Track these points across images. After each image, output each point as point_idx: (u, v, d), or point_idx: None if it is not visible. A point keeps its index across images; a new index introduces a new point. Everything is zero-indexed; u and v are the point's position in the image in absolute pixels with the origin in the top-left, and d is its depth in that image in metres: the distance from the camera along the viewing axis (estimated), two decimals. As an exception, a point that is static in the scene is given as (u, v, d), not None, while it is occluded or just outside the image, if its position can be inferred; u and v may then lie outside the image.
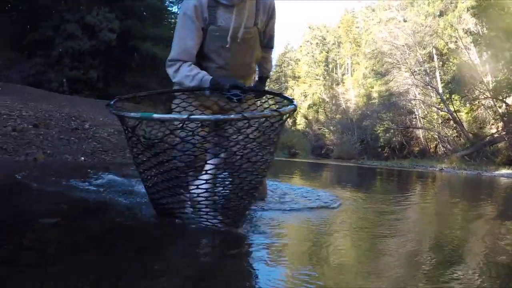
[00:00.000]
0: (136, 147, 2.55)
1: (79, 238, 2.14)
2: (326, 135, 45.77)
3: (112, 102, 2.69)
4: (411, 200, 5.51)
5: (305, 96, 50.05)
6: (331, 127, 44.82)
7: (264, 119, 2.32)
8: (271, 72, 3.72)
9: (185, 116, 2.12)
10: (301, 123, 50.30)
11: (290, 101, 2.85)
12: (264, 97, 3.25)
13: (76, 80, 18.95)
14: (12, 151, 5.39)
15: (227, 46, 2.98)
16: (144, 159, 2.56)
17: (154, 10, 22.58)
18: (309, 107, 49.07)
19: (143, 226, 2.55)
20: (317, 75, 50.23)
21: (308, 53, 52.87)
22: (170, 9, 25.85)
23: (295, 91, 51.01)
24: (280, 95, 3.11)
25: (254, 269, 1.87)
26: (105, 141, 7.32)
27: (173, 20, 25.69)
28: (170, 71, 2.97)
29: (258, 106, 3.34)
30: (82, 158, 6.03)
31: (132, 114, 2.32)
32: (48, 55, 18.58)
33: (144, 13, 22.12)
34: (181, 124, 2.22)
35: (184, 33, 2.91)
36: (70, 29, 18.66)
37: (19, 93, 11.78)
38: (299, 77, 52.73)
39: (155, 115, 2.19)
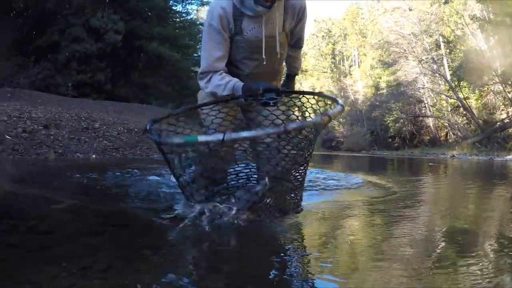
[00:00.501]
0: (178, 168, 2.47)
1: (88, 221, 2.16)
2: (336, 128, 45.67)
3: (148, 127, 2.53)
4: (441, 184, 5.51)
5: (313, 89, 50.02)
6: (341, 119, 44.74)
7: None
8: (299, 70, 3.66)
9: (234, 135, 2.04)
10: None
11: (334, 100, 2.79)
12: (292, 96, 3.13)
13: (83, 84, 18.94)
14: (24, 151, 5.44)
15: (263, 56, 2.95)
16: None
17: (158, 10, 22.52)
18: (318, 100, 48.92)
19: (148, 211, 2.57)
20: (324, 68, 50.17)
21: (314, 46, 52.75)
22: (175, 8, 25.90)
23: (303, 85, 50.92)
24: (320, 94, 3.04)
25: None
26: (115, 140, 7.37)
27: (177, 19, 25.69)
28: (202, 83, 2.92)
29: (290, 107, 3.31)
30: (94, 156, 6.07)
31: (176, 140, 2.25)
32: (54, 60, 18.61)
33: (149, 13, 22.06)
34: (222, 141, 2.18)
35: (211, 45, 2.86)
36: (76, 32, 18.68)
37: (28, 97, 11.87)
38: (306, 71, 52.61)
39: (200, 138, 2.11)
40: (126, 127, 8.21)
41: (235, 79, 2.82)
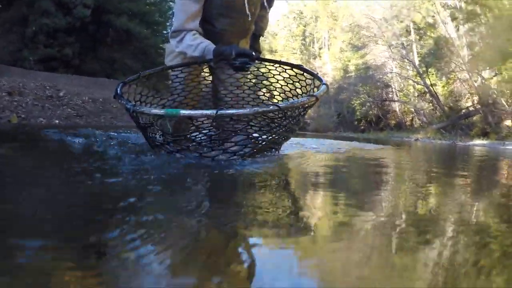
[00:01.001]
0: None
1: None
2: (302, 108, 45.55)
3: (119, 90, 2.54)
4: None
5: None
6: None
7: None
8: (266, 30, 3.67)
9: (215, 111, 2.01)
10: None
11: (316, 76, 2.83)
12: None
13: (51, 58, 18.66)
14: (-14, 115, 5.43)
15: (249, 19, 2.99)
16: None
17: (128, -15, 22.18)
18: (286, 81, 48.63)
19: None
20: (294, 49, 49.87)
21: (285, 27, 52.47)
22: (145, -17, 25.45)
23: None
24: (299, 67, 3.06)
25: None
26: (79, 108, 7.36)
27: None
28: (173, 41, 2.89)
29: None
30: (57, 121, 6.08)
31: (154, 111, 2.20)
32: (22, 33, 18.28)
33: (119, -12, 21.75)
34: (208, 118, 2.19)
35: (187, 1, 2.83)
36: (45, 6, 18.33)
37: (-7, 69, 11.70)
38: (276, 51, 52.23)
39: (183, 112, 2.09)
40: (91, 97, 8.19)
41: (207, 41, 2.82)
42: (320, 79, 2.75)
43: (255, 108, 2.14)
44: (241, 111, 2.14)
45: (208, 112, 2.07)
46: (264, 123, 2.51)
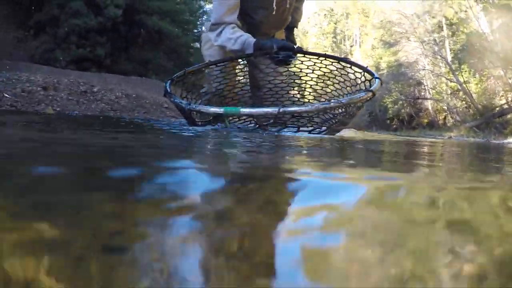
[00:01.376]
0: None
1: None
2: (334, 107, 45.36)
3: (168, 88, 2.58)
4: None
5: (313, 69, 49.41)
6: (340, 98, 44.40)
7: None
8: (299, 22, 3.65)
9: (277, 109, 2.03)
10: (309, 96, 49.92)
11: (366, 70, 2.79)
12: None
13: (84, 58, 18.84)
14: (22, 107, 5.48)
15: (273, 13, 2.97)
16: None
17: (158, -16, 22.33)
18: (318, 79, 48.46)
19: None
20: (325, 46, 49.50)
21: (315, 24, 52.19)
22: (176, -18, 25.59)
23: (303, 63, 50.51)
24: (346, 60, 3.02)
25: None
26: (113, 103, 7.39)
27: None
28: (212, 35, 2.88)
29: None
30: (91, 114, 6.12)
31: (213, 110, 2.24)
32: (54, 34, 18.50)
33: (149, -13, 21.90)
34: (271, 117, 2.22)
35: None
36: (76, 6, 18.52)
37: (27, 68, 11.88)
38: (307, 49, 51.98)
39: (243, 110, 2.12)
40: (124, 93, 8.22)
41: (247, 35, 2.80)
42: (372, 73, 2.73)
43: (317, 105, 2.21)
44: (303, 108, 2.23)
45: (270, 109, 2.09)
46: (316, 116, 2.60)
